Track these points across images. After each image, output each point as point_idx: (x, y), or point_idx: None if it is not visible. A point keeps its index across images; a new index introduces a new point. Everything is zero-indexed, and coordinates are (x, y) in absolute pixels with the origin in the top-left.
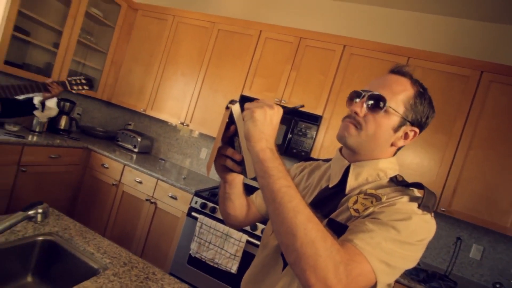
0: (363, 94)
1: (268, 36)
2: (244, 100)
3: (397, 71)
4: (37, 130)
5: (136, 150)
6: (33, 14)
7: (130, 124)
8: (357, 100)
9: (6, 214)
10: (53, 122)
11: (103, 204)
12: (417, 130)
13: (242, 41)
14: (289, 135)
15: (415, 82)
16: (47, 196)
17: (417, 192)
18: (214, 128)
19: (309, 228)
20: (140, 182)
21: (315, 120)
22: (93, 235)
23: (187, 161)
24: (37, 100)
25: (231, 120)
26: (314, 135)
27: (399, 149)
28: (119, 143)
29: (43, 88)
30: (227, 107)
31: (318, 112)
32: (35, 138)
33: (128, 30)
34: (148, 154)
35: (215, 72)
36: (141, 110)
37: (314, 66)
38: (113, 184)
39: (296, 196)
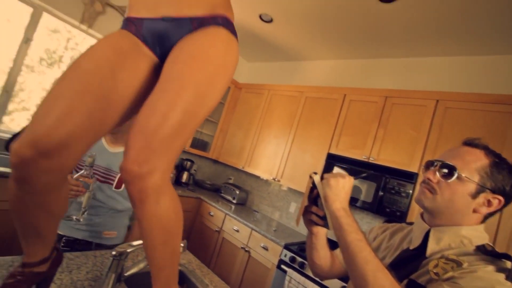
0: (436, 163)
1: (352, 98)
2: (330, 157)
3: (469, 143)
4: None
5: (234, 201)
6: None
7: (230, 179)
8: (432, 168)
9: None
10: (178, 177)
11: (207, 246)
12: (500, 198)
13: (328, 105)
14: (380, 193)
15: (489, 153)
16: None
17: (508, 264)
18: (302, 183)
19: (378, 276)
20: (237, 231)
21: (409, 177)
22: (207, 270)
23: (277, 213)
24: None
25: (314, 186)
26: (410, 193)
27: (487, 217)
28: (222, 194)
29: None
30: (310, 176)
31: (413, 169)
32: None
33: (234, 104)
34: (243, 205)
35: (303, 134)
36: (241, 167)
37: (404, 122)
38: (216, 230)
39: (366, 248)
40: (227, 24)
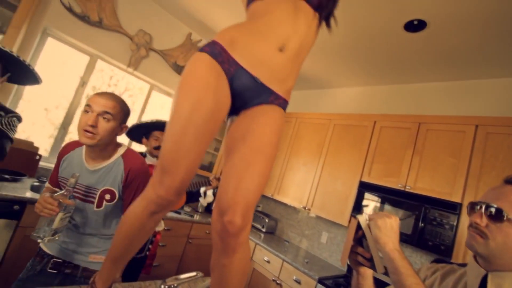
0: (480, 205)
1: (383, 125)
2: (363, 185)
3: (511, 181)
4: (200, 211)
5: (264, 230)
6: None
7: (259, 206)
8: (477, 210)
9: (176, 274)
10: (209, 205)
11: None
12: None
13: (357, 132)
14: (421, 224)
15: None
16: (204, 263)
17: None
18: (333, 213)
19: None
20: (268, 261)
21: (452, 208)
22: None
23: (308, 243)
24: (202, 190)
25: (359, 226)
26: (455, 225)
27: None
28: (252, 224)
29: (208, 182)
30: (354, 217)
31: (455, 199)
32: (198, 217)
33: None
34: (273, 234)
35: (333, 161)
36: (270, 194)
37: (441, 149)
38: None
39: None
40: (285, 106)
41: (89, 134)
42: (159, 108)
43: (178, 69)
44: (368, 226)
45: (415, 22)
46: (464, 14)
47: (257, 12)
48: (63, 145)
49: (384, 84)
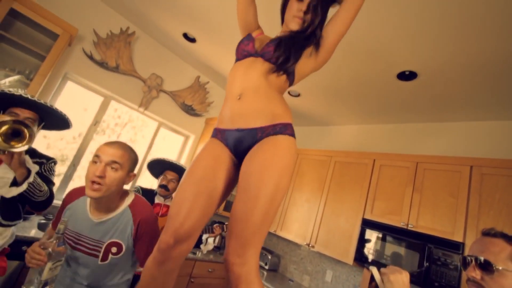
0: (469, 259)
1: (382, 163)
2: (366, 223)
3: (487, 233)
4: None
5: (267, 267)
6: None
7: None
8: (469, 265)
9: None
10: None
11: None
12: None
13: (358, 169)
14: (425, 263)
15: (509, 240)
16: None
17: None
18: (338, 250)
19: None
20: None
21: (455, 248)
22: None
23: (312, 282)
24: (204, 237)
25: (372, 278)
26: (459, 266)
27: None
28: None
29: (211, 229)
30: (368, 268)
31: (457, 238)
32: (200, 255)
33: None
34: (276, 272)
35: (335, 198)
36: (273, 230)
37: (440, 188)
38: None
39: None
40: (284, 129)
41: (96, 186)
42: (165, 142)
43: (186, 108)
44: (382, 280)
45: (407, 73)
46: (452, 66)
47: (228, 79)
48: (68, 191)
49: (382, 123)
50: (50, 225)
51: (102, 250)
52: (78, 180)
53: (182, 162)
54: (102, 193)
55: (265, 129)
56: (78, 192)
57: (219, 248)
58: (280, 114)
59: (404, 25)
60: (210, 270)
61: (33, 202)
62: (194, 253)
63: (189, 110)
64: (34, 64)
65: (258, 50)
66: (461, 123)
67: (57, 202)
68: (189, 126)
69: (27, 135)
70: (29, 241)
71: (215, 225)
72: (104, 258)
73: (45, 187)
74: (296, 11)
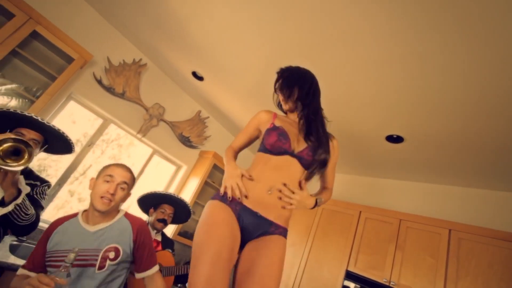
0: None
1: (367, 216)
2: (349, 276)
3: None
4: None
5: None
6: (200, 200)
7: None
8: None
9: None
10: None
11: None
12: None
13: (344, 219)
14: None
15: None
16: None
17: None
18: None
19: None
20: None
21: None
22: None
23: None
24: None
25: None
26: None
27: None
28: None
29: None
30: None
31: None
32: None
33: None
34: None
35: (320, 246)
36: None
37: (420, 247)
38: None
39: None
40: (286, 234)
41: (106, 201)
42: (156, 170)
43: (183, 139)
44: None
45: (394, 136)
46: (437, 134)
47: (259, 160)
48: (51, 222)
49: (369, 176)
50: (22, 266)
51: (99, 258)
52: (58, 199)
53: (171, 190)
54: (110, 207)
55: (278, 227)
56: (64, 219)
57: None
58: (288, 218)
59: (397, 92)
60: None
61: (16, 225)
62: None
63: (186, 141)
64: (42, 82)
65: (294, 150)
66: (444, 186)
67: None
68: (182, 157)
69: (26, 155)
70: (1, 267)
71: None
72: (101, 266)
73: (32, 211)
74: (283, 101)
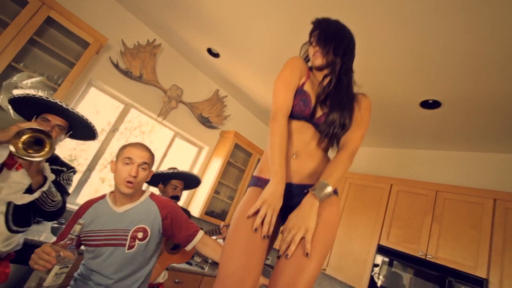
0: None
1: (399, 189)
2: (381, 250)
3: None
4: (209, 261)
5: None
6: (224, 180)
7: (268, 259)
8: None
9: None
10: None
11: None
12: None
13: (374, 193)
14: None
15: None
16: None
17: None
18: (350, 275)
19: None
20: None
21: (478, 284)
22: None
23: None
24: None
25: None
26: None
27: None
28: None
29: (218, 231)
30: None
31: (480, 274)
32: (207, 269)
33: None
34: None
35: (349, 222)
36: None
37: (461, 219)
38: None
39: None
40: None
41: (130, 184)
42: (179, 152)
43: (203, 120)
44: None
45: (430, 101)
46: (476, 96)
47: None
48: (81, 204)
49: (400, 148)
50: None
51: (129, 237)
52: (90, 187)
53: (195, 172)
54: (135, 189)
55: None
56: (93, 201)
57: None
58: (323, 170)
59: (429, 56)
60: None
61: (43, 211)
62: (202, 267)
63: (206, 122)
64: (63, 70)
65: (313, 117)
66: (484, 154)
67: (70, 206)
68: (204, 138)
69: (48, 146)
70: (38, 245)
71: (222, 226)
72: (131, 246)
73: (58, 197)
74: (315, 55)
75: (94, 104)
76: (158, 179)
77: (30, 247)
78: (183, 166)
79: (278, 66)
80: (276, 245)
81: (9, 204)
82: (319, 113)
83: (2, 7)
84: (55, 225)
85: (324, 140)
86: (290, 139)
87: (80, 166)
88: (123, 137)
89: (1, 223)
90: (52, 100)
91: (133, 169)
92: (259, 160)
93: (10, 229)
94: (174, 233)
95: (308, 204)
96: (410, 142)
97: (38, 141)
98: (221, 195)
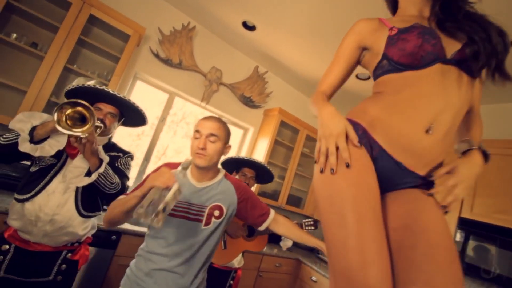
0: None
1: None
2: (464, 223)
3: None
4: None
5: None
6: (272, 160)
7: None
8: None
9: None
10: (273, 235)
11: None
12: None
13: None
14: None
15: None
16: None
17: None
18: None
19: None
20: None
21: None
22: None
23: None
24: None
25: None
26: None
27: None
28: (320, 256)
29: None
30: None
31: None
32: (265, 248)
33: None
34: None
35: None
36: None
37: None
38: None
39: None
40: None
41: (201, 156)
42: None
43: (245, 100)
44: None
45: None
46: None
47: (392, 86)
48: (159, 164)
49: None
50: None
51: (206, 214)
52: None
53: (242, 154)
54: (207, 162)
55: (425, 180)
56: (174, 165)
57: (296, 246)
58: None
59: None
60: (277, 265)
61: (105, 194)
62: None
63: (248, 102)
64: (110, 66)
65: (447, 55)
66: None
67: None
68: (248, 119)
69: (90, 121)
70: (117, 232)
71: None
72: (207, 222)
73: (116, 179)
74: None
75: (142, 100)
76: (231, 165)
77: (112, 233)
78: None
79: (319, 33)
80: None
81: (77, 190)
82: (451, 48)
83: (50, 12)
84: None
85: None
86: (419, 104)
87: (138, 159)
88: (171, 129)
89: (73, 209)
90: (99, 88)
91: (201, 142)
92: (307, 136)
93: (81, 214)
94: (248, 214)
95: (479, 165)
96: (497, 94)
97: (82, 119)
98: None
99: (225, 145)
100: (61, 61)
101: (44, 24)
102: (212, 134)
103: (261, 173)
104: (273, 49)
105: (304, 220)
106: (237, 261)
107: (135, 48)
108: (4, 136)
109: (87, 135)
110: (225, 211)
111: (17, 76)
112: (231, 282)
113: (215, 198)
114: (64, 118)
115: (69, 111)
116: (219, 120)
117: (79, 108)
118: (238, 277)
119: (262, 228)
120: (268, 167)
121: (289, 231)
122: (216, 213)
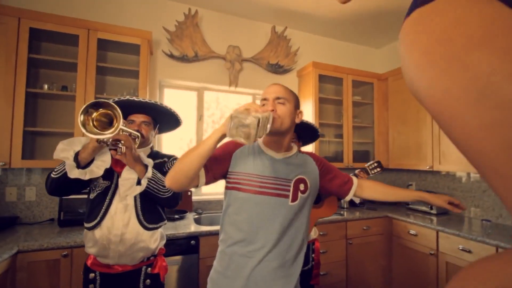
0: None
1: None
2: None
3: None
4: (344, 206)
5: (433, 211)
6: (323, 120)
7: (411, 184)
8: None
9: (345, 281)
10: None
11: (422, 275)
12: None
13: None
14: None
15: None
16: (372, 264)
17: None
18: None
19: None
20: (469, 251)
21: None
22: None
23: (497, 216)
24: None
25: None
26: None
27: None
28: (411, 206)
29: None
30: None
31: None
32: (346, 214)
33: (384, 99)
34: (447, 215)
35: None
36: (427, 167)
37: None
38: (430, 254)
39: None
40: None
41: (274, 119)
42: None
43: (273, 69)
44: None
45: None
46: None
47: None
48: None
49: None
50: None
51: (291, 188)
52: None
53: None
54: (279, 124)
55: None
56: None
57: (363, 204)
58: None
59: None
60: (365, 227)
61: (161, 199)
62: (341, 214)
63: (277, 69)
64: (134, 83)
65: None
66: None
67: (195, 198)
68: None
69: (116, 122)
70: (194, 236)
71: (358, 171)
72: (294, 198)
73: None
74: None
75: (176, 106)
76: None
77: (190, 238)
78: None
79: None
80: None
81: (136, 205)
82: None
83: (65, 53)
84: (196, 216)
85: None
86: None
87: None
88: (210, 127)
89: (137, 224)
90: (124, 99)
91: (269, 105)
92: (353, 82)
93: (146, 228)
94: (332, 184)
95: None
96: None
97: (110, 122)
98: (326, 137)
99: (296, 110)
100: (90, 94)
101: (65, 66)
102: (279, 97)
103: (301, 130)
104: (288, 1)
105: (366, 165)
106: (314, 232)
107: (149, 57)
108: (55, 169)
109: (116, 133)
110: (309, 184)
111: (61, 121)
112: (312, 255)
113: (298, 171)
114: (91, 123)
115: (94, 114)
116: (283, 85)
117: (103, 110)
118: (317, 248)
119: (348, 197)
120: (310, 123)
121: (378, 193)
122: (302, 187)
